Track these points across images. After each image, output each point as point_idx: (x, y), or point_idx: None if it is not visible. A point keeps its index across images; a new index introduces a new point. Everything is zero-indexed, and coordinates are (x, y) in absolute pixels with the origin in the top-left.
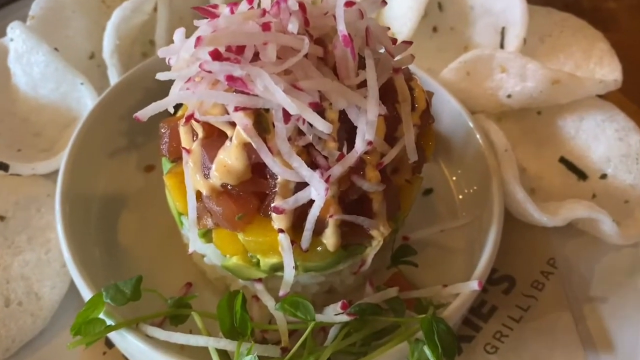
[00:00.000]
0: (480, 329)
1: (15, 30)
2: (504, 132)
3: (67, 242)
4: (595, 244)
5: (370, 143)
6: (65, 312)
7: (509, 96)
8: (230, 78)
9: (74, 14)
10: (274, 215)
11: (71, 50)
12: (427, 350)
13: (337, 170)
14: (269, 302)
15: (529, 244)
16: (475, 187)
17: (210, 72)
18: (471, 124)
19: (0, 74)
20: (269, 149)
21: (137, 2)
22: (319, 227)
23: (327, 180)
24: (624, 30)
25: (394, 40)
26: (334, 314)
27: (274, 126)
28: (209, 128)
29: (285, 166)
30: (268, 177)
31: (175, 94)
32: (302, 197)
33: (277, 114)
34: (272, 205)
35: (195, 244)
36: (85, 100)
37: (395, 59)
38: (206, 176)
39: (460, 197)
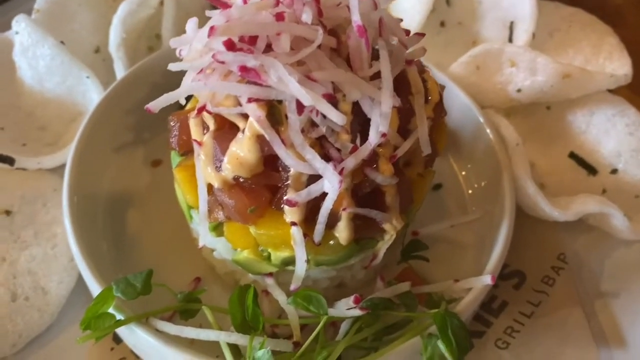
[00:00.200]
0: (491, 324)
1: (20, 24)
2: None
3: (75, 236)
4: (605, 239)
5: (384, 135)
6: (72, 307)
7: (518, 90)
8: (244, 69)
9: (80, 8)
10: (286, 208)
11: (76, 44)
12: (440, 345)
13: (351, 162)
14: (280, 296)
15: (539, 239)
16: (485, 182)
17: (223, 62)
18: (481, 119)
19: (5, 67)
20: (282, 141)
21: None
22: (332, 221)
23: (340, 173)
24: (630, 27)
25: (407, 32)
26: (346, 308)
27: (286, 118)
28: (220, 120)
29: (299, 158)
30: (280, 169)
31: (187, 85)
32: (315, 189)
33: (291, 106)
34: (285, 198)
35: (205, 238)
36: (91, 94)
37: (408, 51)
38: (218, 169)
39: (470, 192)
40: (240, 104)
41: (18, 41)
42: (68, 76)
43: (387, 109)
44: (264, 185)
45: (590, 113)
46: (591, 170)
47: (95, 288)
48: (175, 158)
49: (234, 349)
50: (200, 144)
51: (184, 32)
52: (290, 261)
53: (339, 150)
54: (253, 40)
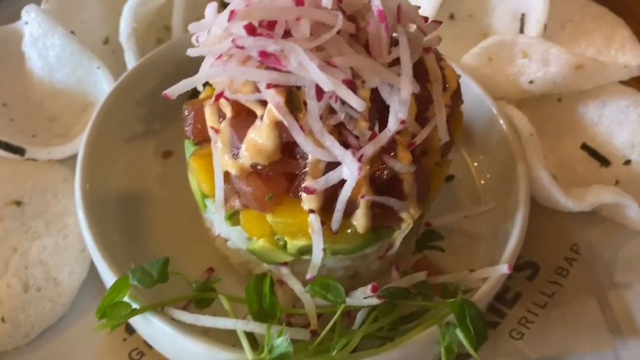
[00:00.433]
0: (505, 315)
1: (30, 14)
2: None
3: (89, 226)
4: (618, 230)
5: (403, 122)
6: (84, 298)
7: (531, 82)
8: (264, 54)
9: None
10: (304, 195)
11: (86, 35)
12: (459, 334)
13: (370, 149)
14: (296, 285)
15: (551, 230)
16: (497, 173)
17: (242, 47)
18: (494, 110)
19: (15, 58)
20: (301, 127)
21: None
22: (349, 209)
23: (359, 160)
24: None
25: (425, 19)
26: (363, 297)
27: (305, 105)
28: (238, 107)
29: (317, 145)
30: (298, 157)
31: (205, 71)
32: (333, 177)
33: (310, 92)
34: (303, 185)
35: (220, 227)
36: (101, 84)
37: (425, 39)
38: (235, 156)
39: (482, 182)
40: (258, 91)
41: (28, 32)
42: (78, 67)
43: (407, 96)
44: (281, 173)
45: (602, 104)
46: (604, 161)
47: (109, 277)
48: (189, 147)
49: (251, 337)
50: (217, 131)
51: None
52: (307, 250)
53: (357, 137)
54: (271, 25)
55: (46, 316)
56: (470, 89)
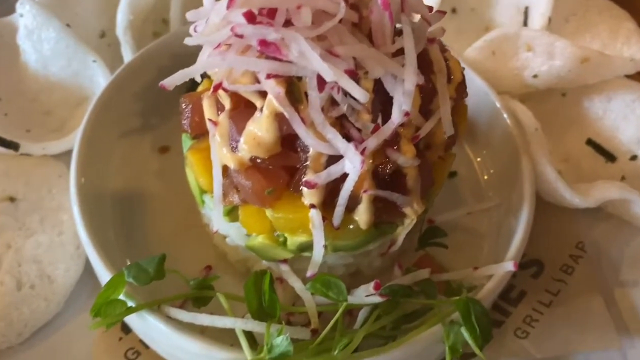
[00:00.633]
0: (510, 313)
1: (25, 6)
2: None
3: (83, 222)
4: (624, 227)
5: (407, 114)
6: (79, 296)
7: (535, 76)
8: (264, 43)
9: None
10: (305, 190)
11: (81, 28)
12: (464, 333)
13: (373, 142)
14: (296, 283)
15: (556, 227)
16: (501, 169)
17: (241, 36)
18: (498, 104)
19: (9, 51)
20: (302, 119)
21: None
22: (351, 204)
23: (362, 153)
24: None
25: (430, 9)
26: (366, 295)
27: (306, 96)
28: (236, 99)
29: (319, 138)
30: (299, 150)
31: (203, 61)
32: (335, 170)
33: (312, 82)
34: (304, 179)
35: (218, 223)
36: (97, 78)
37: (429, 29)
38: (234, 149)
39: (486, 178)
40: (258, 81)
41: (22, 24)
42: (74, 60)
43: (411, 87)
44: (281, 167)
45: (607, 99)
46: (609, 157)
47: (104, 275)
48: (186, 141)
49: (249, 336)
50: (215, 123)
51: None
52: (307, 246)
53: (359, 130)
54: (272, 13)
55: (40, 314)
56: (473, 83)
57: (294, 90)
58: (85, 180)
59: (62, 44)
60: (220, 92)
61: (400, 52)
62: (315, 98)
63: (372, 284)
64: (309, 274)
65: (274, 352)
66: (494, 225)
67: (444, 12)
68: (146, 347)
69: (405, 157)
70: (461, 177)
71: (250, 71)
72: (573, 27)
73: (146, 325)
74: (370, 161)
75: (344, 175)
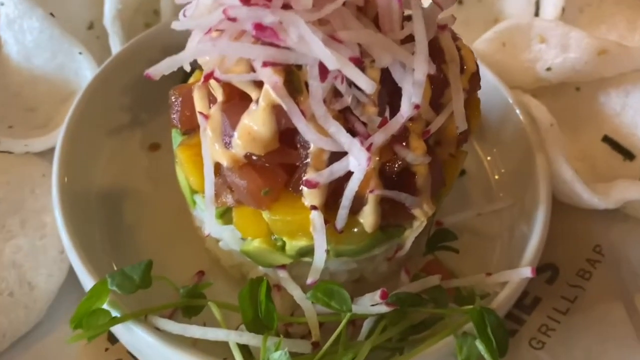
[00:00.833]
0: (524, 322)
1: None
2: None
3: (66, 225)
4: None
5: (417, 107)
6: (62, 304)
7: (548, 69)
8: (259, 27)
9: None
10: (305, 190)
11: (67, 19)
12: (479, 345)
13: (380, 137)
14: (295, 291)
15: (571, 229)
16: (514, 167)
17: (235, 19)
18: (510, 99)
19: None
20: (301, 112)
21: None
22: (356, 205)
23: (368, 149)
24: None
25: None
26: (371, 304)
27: (306, 86)
28: (230, 90)
29: (320, 132)
30: (298, 146)
31: (193, 48)
32: (338, 168)
33: (312, 71)
34: (304, 178)
35: (211, 225)
36: (84, 71)
37: (440, 15)
38: (227, 145)
39: (497, 177)
40: (253, 70)
41: (3, 13)
42: (58, 52)
43: (422, 77)
44: (279, 164)
45: (625, 93)
46: (627, 154)
47: (87, 282)
48: (176, 137)
49: (244, 350)
50: (206, 117)
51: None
52: (307, 251)
53: (364, 124)
54: None
55: (19, 324)
56: (483, 77)
57: (293, 79)
58: (68, 180)
59: (45, 34)
60: (212, 82)
61: (409, 39)
62: (317, 88)
63: (378, 293)
64: (309, 281)
65: None
66: (506, 227)
67: None
68: (135, 358)
69: (415, 154)
70: (470, 176)
71: (245, 59)
72: (588, 18)
73: (133, 337)
74: (377, 158)
75: (348, 174)
